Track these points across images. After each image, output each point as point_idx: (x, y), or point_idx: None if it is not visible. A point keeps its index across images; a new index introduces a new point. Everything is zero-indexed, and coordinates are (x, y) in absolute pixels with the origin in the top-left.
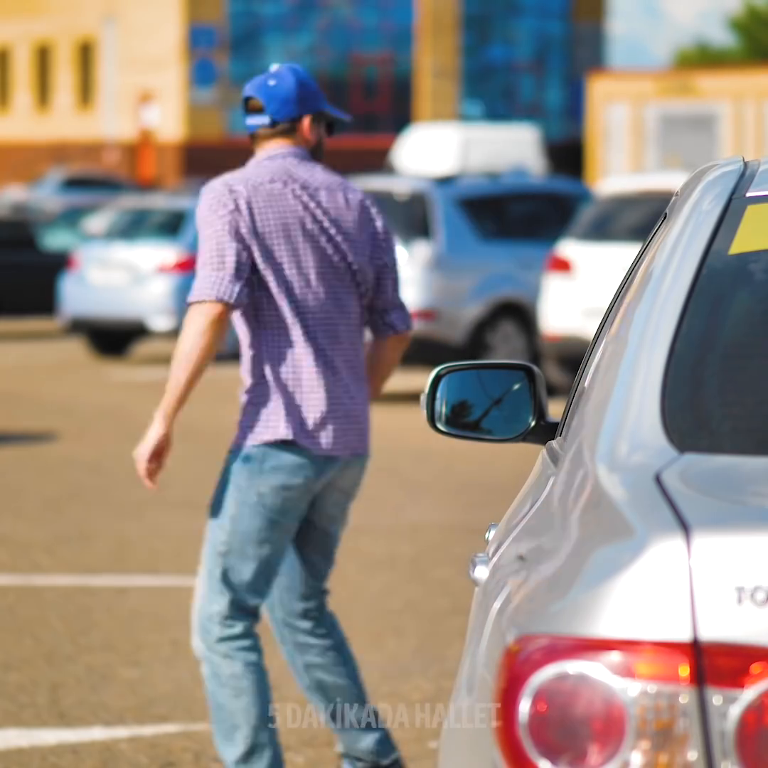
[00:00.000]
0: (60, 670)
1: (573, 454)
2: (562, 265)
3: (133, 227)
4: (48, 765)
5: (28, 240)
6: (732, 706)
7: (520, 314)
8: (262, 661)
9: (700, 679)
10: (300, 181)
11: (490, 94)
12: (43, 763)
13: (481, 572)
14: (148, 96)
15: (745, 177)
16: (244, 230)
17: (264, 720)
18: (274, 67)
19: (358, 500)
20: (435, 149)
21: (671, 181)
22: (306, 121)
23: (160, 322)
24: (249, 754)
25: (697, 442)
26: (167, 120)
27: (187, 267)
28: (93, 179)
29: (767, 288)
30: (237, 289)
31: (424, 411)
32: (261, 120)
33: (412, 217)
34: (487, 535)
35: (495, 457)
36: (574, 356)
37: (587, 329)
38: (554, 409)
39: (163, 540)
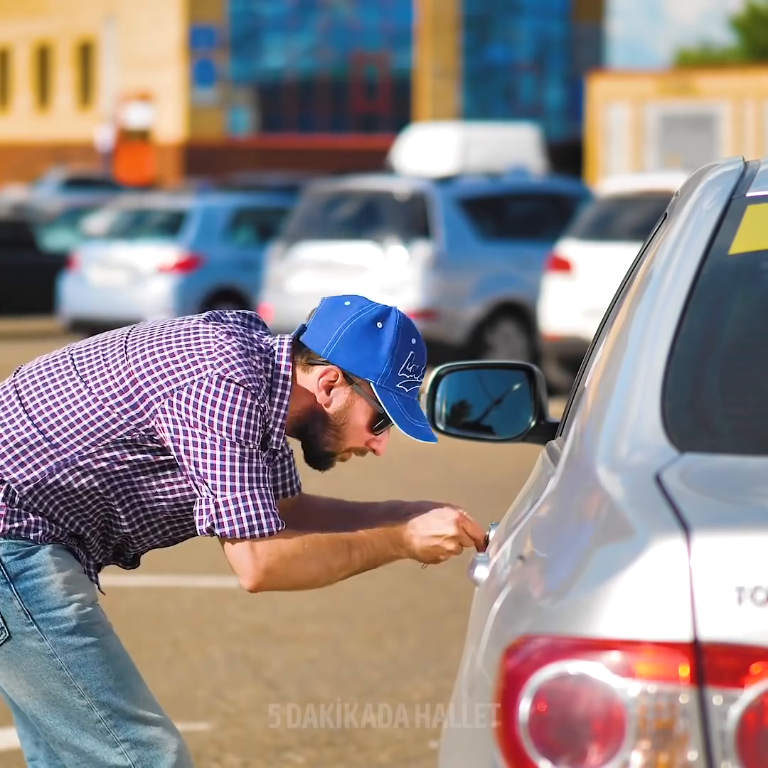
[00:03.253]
0: None
1: (573, 454)
2: (562, 265)
3: (133, 227)
4: None
5: (29, 240)
6: (732, 706)
7: (520, 314)
8: None
9: (700, 679)
10: None
11: (490, 94)
12: None
13: (481, 572)
14: (136, 96)
15: (745, 177)
16: None
17: None
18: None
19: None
20: (435, 149)
21: (671, 181)
22: None
23: None
24: None
25: (697, 442)
26: (167, 120)
27: (187, 267)
28: (92, 179)
29: (767, 288)
30: None
31: (424, 411)
32: None
33: (412, 217)
34: (487, 535)
35: (495, 457)
36: (574, 356)
37: (587, 329)
38: (554, 409)
39: None
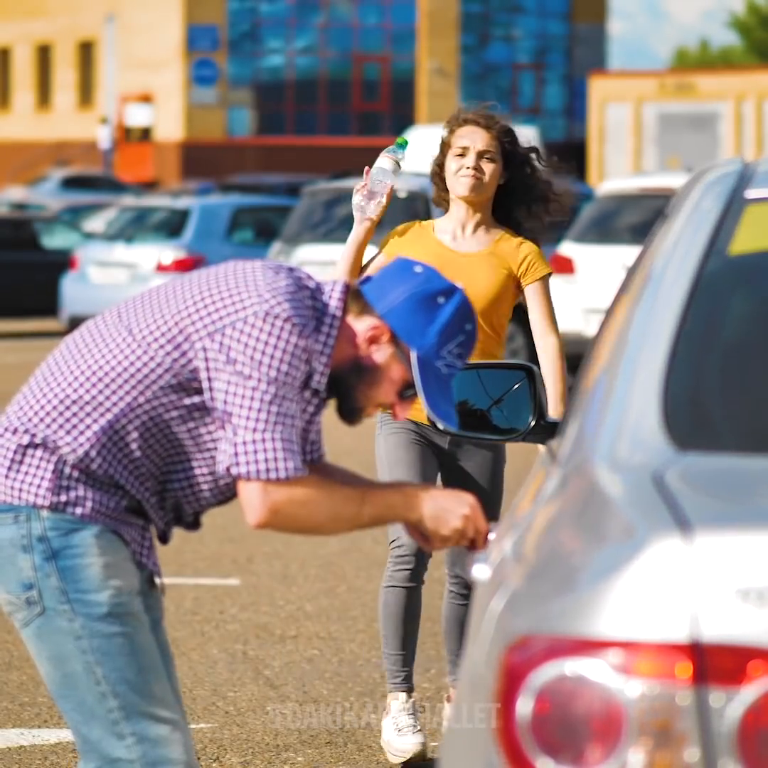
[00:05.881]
0: None
1: (573, 454)
2: (563, 265)
3: (133, 227)
4: (49, 764)
5: (29, 239)
6: (732, 706)
7: (520, 314)
8: None
9: (699, 679)
10: None
11: (489, 94)
12: (44, 763)
13: (481, 571)
14: (136, 96)
15: (744, 177)
16: None
17: None
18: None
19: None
20: (435, 149)
21: (671, 181)
22: None
23: None
24: None
25: (697, 441)
26: (167, 120)
27: (187, 267)
28: (92, 179)
29: (767, 288)
30: None
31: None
32: None
33: (413, 216)
34: (487, 534)
35: None
36: (574, 356)
37: (587, 329)
38: None
39: None
